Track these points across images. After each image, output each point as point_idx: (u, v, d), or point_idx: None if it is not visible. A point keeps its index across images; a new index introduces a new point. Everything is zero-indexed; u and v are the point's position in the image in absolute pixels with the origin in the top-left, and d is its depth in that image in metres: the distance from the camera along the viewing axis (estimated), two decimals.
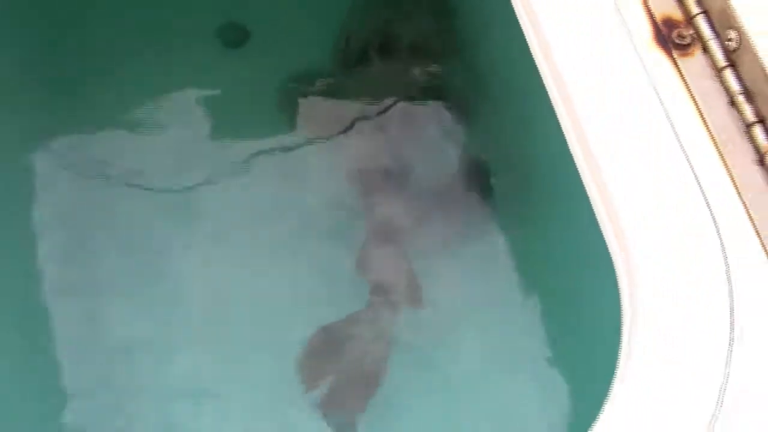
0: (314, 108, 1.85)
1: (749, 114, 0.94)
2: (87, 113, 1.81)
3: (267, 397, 1.56)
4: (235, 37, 1.93)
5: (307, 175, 1.78)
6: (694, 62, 0.99)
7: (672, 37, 1.00)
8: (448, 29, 1.90)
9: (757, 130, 0.93)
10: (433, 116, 1.82)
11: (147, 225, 1.70)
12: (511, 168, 1.62)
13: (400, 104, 1.84)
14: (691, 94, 0.97)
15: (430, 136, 1.80)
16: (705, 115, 0.96)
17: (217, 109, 1.85)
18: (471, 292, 1.60)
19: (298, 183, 1.77)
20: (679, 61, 0.99)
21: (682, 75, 0.98)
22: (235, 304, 1.65)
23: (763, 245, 0.88)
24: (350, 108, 1.85)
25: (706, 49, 0.99)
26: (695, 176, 0.92)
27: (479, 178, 1.71)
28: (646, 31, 1.01)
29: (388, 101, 1.84)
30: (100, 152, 1.79)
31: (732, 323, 0.86)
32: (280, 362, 1.57)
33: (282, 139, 1.83)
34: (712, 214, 0.90)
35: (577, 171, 0.98)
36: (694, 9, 1.00)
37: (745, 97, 0.95)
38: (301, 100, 1.85)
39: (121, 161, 1.77)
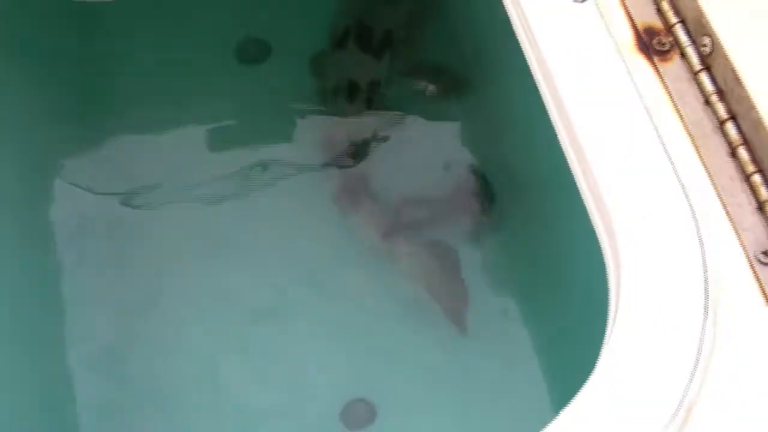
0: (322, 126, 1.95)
1: (722, 112, 1.04)
2: (105, 135, 1.91)
3: None
4: (254, 53, 2.03)
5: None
6: (673, 66, 1.09)
7: (653, 44, 1.10)
8: (433, 22, 1.98)
9: (729, 126, 1.02)
10: (428, 123, 1.92)
11: (163, 240, 1.80)
12: (507, 171, 1.71)
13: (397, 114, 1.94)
14: (670, 95, 1.07)
15: (425, 145, 1.90)
16: (682, 114, 1.06)
17: (237, 125, 1.95)
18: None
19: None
20: (659, 66, 1.09)
21: (662, 78, 1.08)
22: (241, 306, 1.74)
23: (733, 226, 0.98)
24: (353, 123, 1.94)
25: (683, 55, 1.09)
26: (673, 167, 1.02)
27: (480, 186, 1.80)
28: (630, 39, 1.11)
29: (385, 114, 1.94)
30: (121, 170, 1.90)
31: (706, 297, 0.94)
32: None
33: (299, 158, 1.93)
34: (688, 200, 0.99)
35: (568, 165, 1.08)
36: (673, 19, 1.10)
37: (718, 96, 1.05)
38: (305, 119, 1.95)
39: (141, 179, 1.87)
